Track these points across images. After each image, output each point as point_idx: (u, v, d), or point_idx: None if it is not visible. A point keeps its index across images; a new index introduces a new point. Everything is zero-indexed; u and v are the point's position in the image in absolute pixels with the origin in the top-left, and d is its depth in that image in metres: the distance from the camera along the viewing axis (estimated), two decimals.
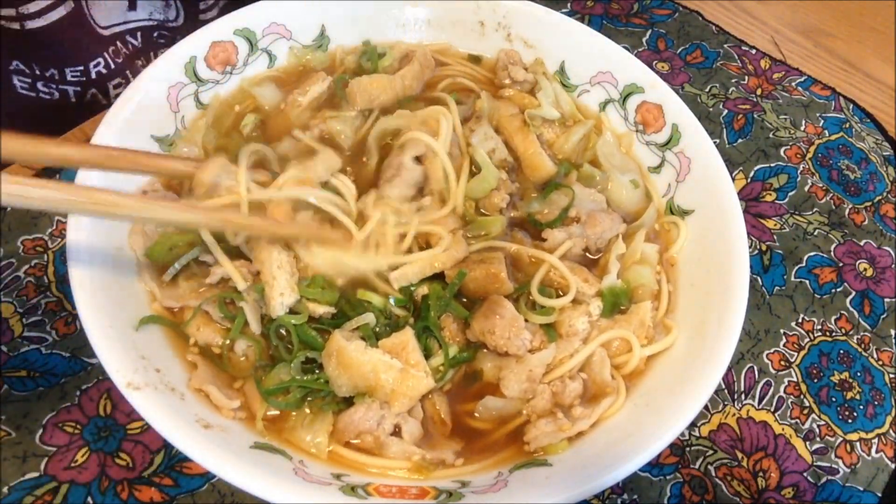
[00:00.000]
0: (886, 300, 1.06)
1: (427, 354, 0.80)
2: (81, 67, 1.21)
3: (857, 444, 0.93)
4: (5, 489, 0.77)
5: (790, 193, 1.16)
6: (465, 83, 1.09)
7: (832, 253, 1.10)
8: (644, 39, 1.37)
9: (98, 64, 1.23)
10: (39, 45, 1.15)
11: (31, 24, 1.12)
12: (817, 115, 1.28)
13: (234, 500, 0.80)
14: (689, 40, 1.38)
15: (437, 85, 1.08)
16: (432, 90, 1.07)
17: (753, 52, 1.37)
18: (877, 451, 0.93)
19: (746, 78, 1.32)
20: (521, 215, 0.95)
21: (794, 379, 0.97)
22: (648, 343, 0.85)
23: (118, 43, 1.24)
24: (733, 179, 1.03)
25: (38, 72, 1.20)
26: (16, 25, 1.11)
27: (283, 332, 0.80)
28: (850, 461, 0.91)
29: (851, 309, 1.05)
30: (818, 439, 0.92)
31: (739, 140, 1.22)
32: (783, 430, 0.93)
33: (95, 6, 1.17)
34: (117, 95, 0.88)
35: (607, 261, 0.90)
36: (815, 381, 0.97)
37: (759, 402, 0.95)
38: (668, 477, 0.87)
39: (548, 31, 1.10)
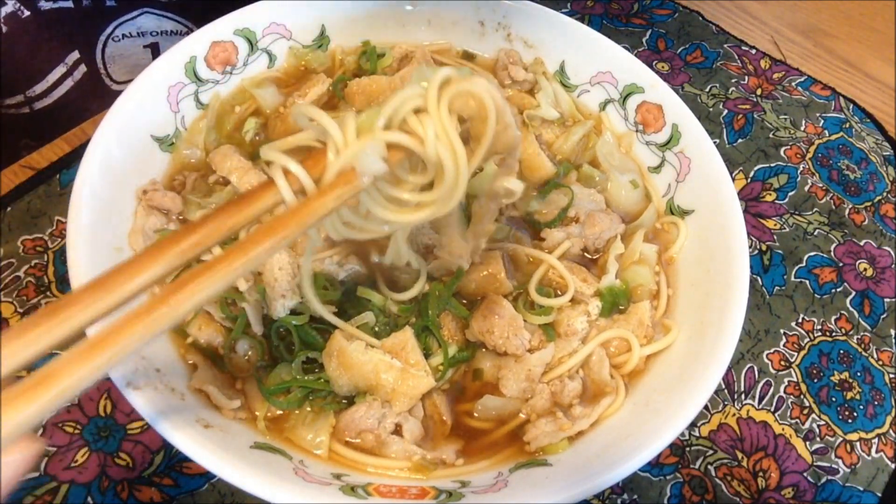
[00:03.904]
0: (886, 300, 1.06)
1: (426, 354, 0.80)
2: None
3: (857, 444, 0.93)
4: None
5: (790, 193, 1.16)
6: None
7: (832, 253, 1.10)
8: (644, 39, 1.37)
9: None
10: (48, 122, 1.16)
11: (39, 105, 1.12)
12: (817, 115, 1.28)
13: (234, 500, 0.80)
14: (689, 40, 1.38)
15: None
16: None
17: (753, 52, 1.37)
18: (877, 451, 0.93)
19: (746, 78, 1.32)
20: (520, 215, 0.95)
21: (794, 379, 0.97)
22: (647, 343, 0.85)
23: None
24: (733, 179, 1.03)
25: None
26: (26, 110, 1.11)
27: (283, 331, 0.81)
28: (850, 461, 0.91)
29: (851, 309, 1.05)
30: (818, 439, 0.92)
31: (739, 140, 1.22)
32: (783, 430, 0.93)
33: (115, 65, 1.17)
34: None
35: (606, 261, 0.90)
36: (815, 381, 0.97)
37: (759, 402, 0.95)
38: (668, 477, 0.88)
39: (548, 31, 1.10)
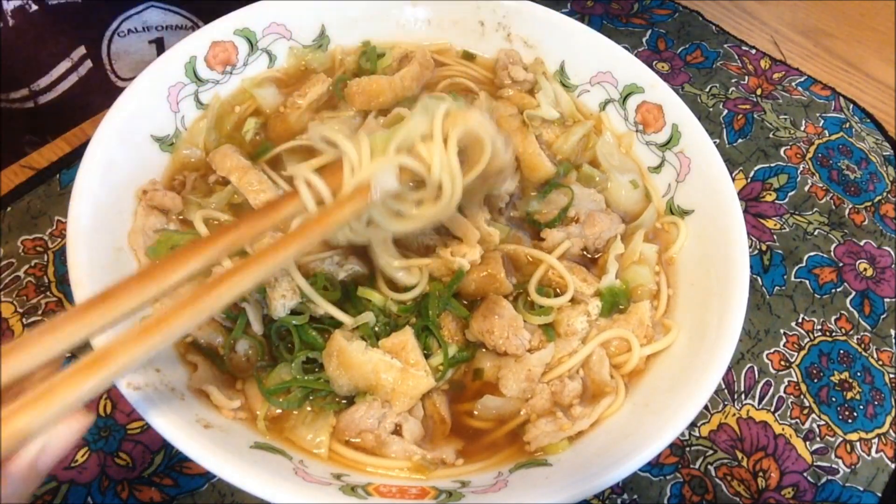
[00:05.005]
0: (886, 300, 1.06)
1: (426, 354, 0.80)
2: None
3: (857, 444, 0.93)
4: None
5: (790, 193, 1.16)
6: (464, 84, 1.09)
7: (832, 253, 1.10)
8: (644, 39, 1.37)
9: None
10: (52, 116, 1.15)
11: (44, 99, 1.12)
12: (817, 115, 1.28)
13: (234, 500, 0.80)
14: (689, 40, 1.38)
15: (436, 86, 1.08)
16: (431, 91, 1.07)
17: (753, 52, 1.37)
18: (877, 451, 0.93)
19: (746, 78, 1.32)
20: (520, 215, 0.95)
21: (794, 379, 0.97)
22: (648, 343, 0.85)
23: None
24: (733, 179, 1.03)
25: (49, 139, 1.21)
26: (30, 104, 1.11)
27: (283, 331, 0.80)
28: (850, 461, 0.91)
29: (851, 309, 1.05)
30: (818, 439, 0.92)
31: (739, 140, 1.22)
32: (783, 430, 0.93)
33: (119, 61, 1.16)
34: None
35: (606, 261, 0.90)
36: (815, 381, 0.97)
37: (759, 402, 0.95)
38: (668, 477, 0.88)
39: (548, 31, 1.10)
